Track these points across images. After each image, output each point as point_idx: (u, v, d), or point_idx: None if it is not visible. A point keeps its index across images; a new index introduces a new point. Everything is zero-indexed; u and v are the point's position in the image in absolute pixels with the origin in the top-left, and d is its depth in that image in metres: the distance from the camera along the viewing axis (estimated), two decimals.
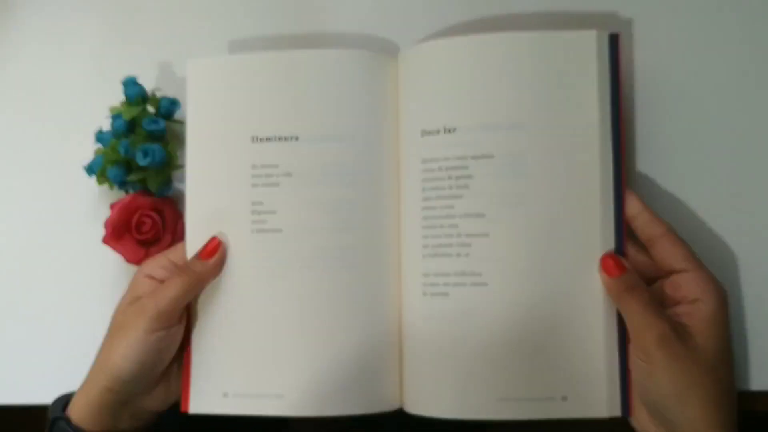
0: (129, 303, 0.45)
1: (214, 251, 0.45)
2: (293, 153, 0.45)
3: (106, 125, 0.49)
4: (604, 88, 0.43)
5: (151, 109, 0.49)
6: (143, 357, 0.43)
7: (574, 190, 0.43)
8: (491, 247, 0.43)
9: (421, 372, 0.44)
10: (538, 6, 0.50)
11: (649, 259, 0.43)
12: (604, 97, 0.43)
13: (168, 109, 0.49)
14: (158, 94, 0.50)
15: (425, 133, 0.44)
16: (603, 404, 0.42)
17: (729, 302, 0.41)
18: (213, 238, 0.46)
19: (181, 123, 0.48)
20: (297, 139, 0.45)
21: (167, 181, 0.49)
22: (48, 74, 0.54)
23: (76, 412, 0.43)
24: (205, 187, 0.46)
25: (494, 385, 0.42)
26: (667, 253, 0.42)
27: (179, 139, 0.49)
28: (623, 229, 0.43)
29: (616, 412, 0.42)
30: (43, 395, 0.47)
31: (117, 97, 0.49)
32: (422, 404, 0.44)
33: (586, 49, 0.43)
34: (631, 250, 0.43)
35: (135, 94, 0.48)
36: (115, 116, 0.48)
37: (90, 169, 0.49)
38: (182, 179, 0.47)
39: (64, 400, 0.44)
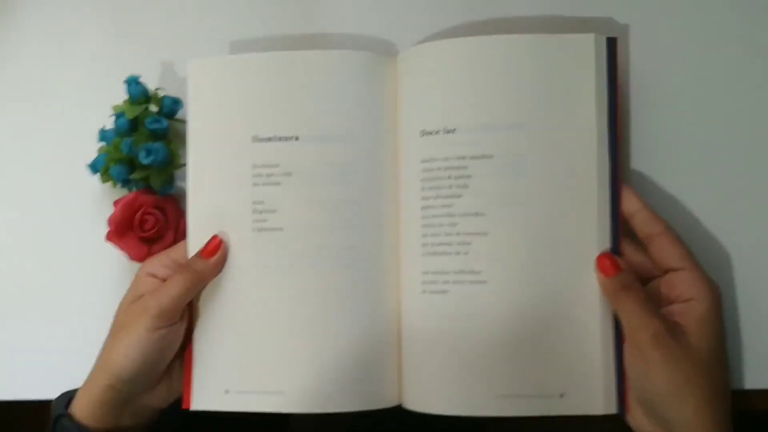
0: (131, 301, 0.45)
1: (216, 250, 0.45)
2: (294, 153, 0.46)
3: (109, 124, 0.49)
4: (601, 90, 0.44)
5: (153, 108, 0.49)
6: (145, 355, 0.43)
7: (572, 190, 0.43)
8: (490, 245, 0.43)
9: (420, 369, 0.44)
10: (536, 10, 0.50)
11: (646, 257, 0.43)
12: (602, 100, 0.44)
13: (171, 108, 0.49)
14: (161, 93, 0.50)
15: (425, 133, 0.45)
16: (599, 401, 0.42)
17: (723, 301, 0.41)
18: (214, 237, 0.46)
19: (184, 122, 0.48)
20: (297, 138, 0.46)
21: (170, 180, 0.49)
22: (51, 73, 0.54)
23: (78, 410, 0.43)
24: (206, 186, 0.47)
25: (492, 382, 0.43)
26: (664, 252, 0.42)
27: (182, 138, 0.49)
28: (619, 229, 0.43)
29: (612, 409, 0.43)
30: (46, 391, 0.48)
31: (120, 96, 0.49)
32: (421, 401, 0.44)
33: (585, 52, 0.44)
34: (628, 249, 0.43)
35: (138, 93, 0.48)
36: (118, 115, 0.48)
37: (93, 167, 0.49)
38: (185, 177, 0.47)
39: (67, 398, 0.45)
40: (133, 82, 0.49)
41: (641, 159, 0.48)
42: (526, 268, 0.43)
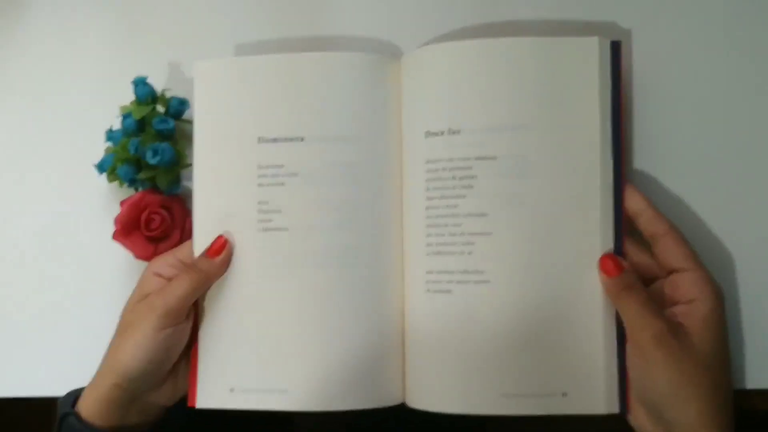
0: (137, 301, 0.45)
1: (221, 249, 0.46)
2: (299, 153, 0.46)
3: (116, 124, 0.50)
4: (605, 92, 0.44)
5: (160, 108, 0.50)
6: (151, 354, 0.43)
7: (575, 191, 0.43)
8: (494, 245, 0.43)
9: (423, 367, 0.45)
10: (539, 14, 0.50)
11: (650, 258, 0.43)
12: (605, 102, 0.44)
13: (177, 108, 0.50)
14: (168, 94, 0.50)
15: (429, 134, 0.45)
16: (601, 401, 0.43)
17: (726, 302, 0.41)
18: (219, 237, 0.46)
19: (191, 122, 0.48)
20: (302, 139, 0.46)
21: (176, 180, 0.49)
22: (59, 74, 0.55)
23: (85, 408, 0.43)
24: (212, 186, 0.47)
25: (495, 381, 0.43)
26: (668, 252, 0.42)
27: (188, 139, 0.49)
28: (622, 229, 0.44)
29: (614, 408, 0.43)
30: (52, 388, 0.48)
31: (127, 96, 0.49)
32: (424, 399, 0.45)
33: (588, 55, 0.44)
34: (632, 249, 0.44)
35: (145, 93, 0.49)
36: (126, 115, 0.48)
37: (100, 167, 0.49)
38: (191, 177, 0.48)
39: (73, 396, 0.45)
40: (140, 83, 0.49)
41: (644, 160, 0.48)
42: (530, 268, 0.43)
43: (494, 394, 0.43)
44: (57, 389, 0.47)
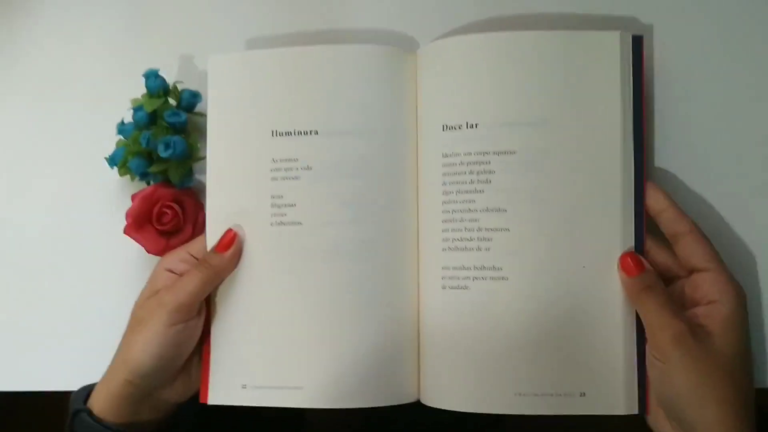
0: (148, 296, 0.45)
1: (231, 243, 0.45)
2: (313, 147, 0.46)
3: (128, 117, 0.49)
4: (626, 88, 0.43)
5: (172, 101, 0.49)
6: (163, 350, 0.43)
7: (596, 188, 0.43)
8: (512, 241, 0.43)
9: (439, 365, 0.44)
10: (558, 7, 0.50)
11: (672, 256, 0.43)
12: (627, 97, 0.43)
13: (189, 101, 0.49)
14: (180, 87, 0.50)
15: (446, 128, 0.44)
16: (621, 402, 0.42)
17: (748, 303, 0.41)
18: (228, 230, 0.46)
19: (203, 115, 0.48)
20: (317, 133, 0.46)
21: (188, 173, 0.49)
22: (69, 66, 0.55)
23: (97, 404, 0.43)
24: (225, 180, 0.47)
25: (512, 380, 0.43)
26: (690, 251, 0.41)
27: (200, 132, 0.49)
28: (644, 227, 0.43)
29: (634, 409, 0.42)
30: (64, 383, 0.48)
31: (139, 89, 0.49)
32: (439, 397, 0.44)
33: (610, 50, 0.43)
34: (653, 248, 0.43)
35: (156, 86, 0.48)
36: (137, 108, 0.48)
37: (112, 161, 0.49)
38: (203, 171, 0.47)
39: (86, 392, 0.45)
40: (151, 76, 0.48)
41: (665, 158, 0.48)
42: (548, 266, 0.43)
43: (511, 393, 0.43)
44: (69, 384, 0.47)
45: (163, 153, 0.46)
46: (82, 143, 0.53)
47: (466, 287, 0.43)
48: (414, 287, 0.46)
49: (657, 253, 0.43)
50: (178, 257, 0.46)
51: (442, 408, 0.44)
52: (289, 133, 0.46)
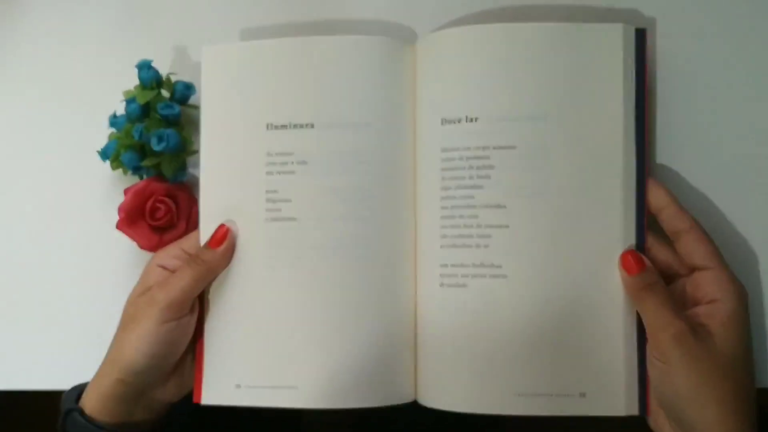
0: (140, 293, 0.45)
1: (223, 239, 0.45)
2: (308, 141, 0.45)
3: (120, 109, 0.49)
4: (629, 82, 0.43)
5: (165, 93, 0.49)
6: (155, 349, 0.42)
7: (597, 184, 0.42)
8: (512, 238, 0.42)
9: (436, 364, 0.44)
10: None
11: (673, 254, 0.42)
12: (629, 91, 0.43)
13: (183, 93, 0.49)
14: (173, 79, 0.49)
15: (445, 121, 0.44)
16: (621, 402, 0.42)
17: (750, 302, 0.41)
18: (221, 226, 0.45)
19: (196, 108, 0.48)
20: (312, 126, 0.45)
21: (182, 167, 0.49)
22: (61, 58, 0.54)
23: (89, 404, 0.43)
24: (219, 175, 0.46)
25: (511, 380, 0.42)
26: (691, 249, 0.41)
27: (194, 124, 0.49)
28: (645, 224, 0.43)
29: (634, 410, 0.42)
30: (56, 381, 0.48)
31: (131, 81, 0.48)
32: (437, 397, 0.44)
33: (612, 43, 0.43)
34: (654, 245, 0.43)
35: (149, 78, 0.48)
36: (130, 100, 0.48)
37: (104, 154, 0.48)
38: (197, 165, 0.47)
39: (77, 391, 0.44)
40: (144, 67, 0.48)
41: (667, 154, 0.47)
42: (548, 263, 0.42)
43: (510, 394, 0.42)
44: (61, 382, 0.46)
45: (156, 146, 0.46)
46: (74, 136, 0.53)
47: (464, 285, 0.43)
48: (411, 285, 0.45)
49: (658, 250, 0.42)
50: (171, 253, 0.46)
51: (440, 408, 0.44)
52: (284, 126, 0.45)
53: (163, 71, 0.49)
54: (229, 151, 0.46)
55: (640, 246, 0.42)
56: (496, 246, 0.42)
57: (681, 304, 0.41)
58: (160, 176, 0.48)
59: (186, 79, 0.49)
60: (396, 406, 0.44)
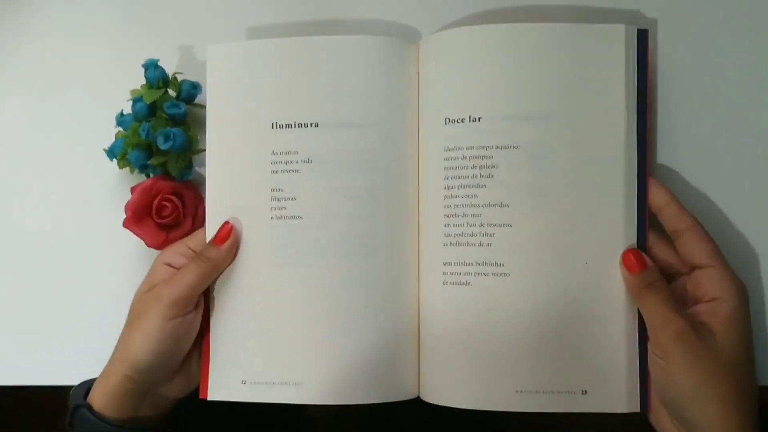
0: (146, 291, 0.45)
1: (227, 236, 0.45)
2: (313, 140, 0.45)
3: (127, 108, 0.49)
4: (631, 82, 0.43)
5: (172, 92, 0.49)
6: (161, 345, 0.43)
7: (599, 183, 0.43)
8: (514, 237, 0.42)
9: (439, 361, 0.44)
10: (563, 0, 0.49)
11: (674, 253, 0.42)
12: (631, 92, 0.43)
13: (189, 92, 0.49)
14: (179, 78, 0.49)
15: (449, 121, 0.44)
16: (622, 400, 0.42)
17: (750, 300, 0.41)
18: (225, 223, 0.45)
19: (203, 107, 0.48)
20: (317, 125, 0.45)
21: (188, 166, 0.49)
22: (68, 57, 0.54)
23: (97, 400, 0.43)
24: (225, 173, 0.46)
25: (513, 377, 0.42)
26: (692, 248, 0.41)
27: (200, 123, 0.49)
28: (646, 223, 0.43)
29: (636, 408, 0.42)
30: (63, 378, 0.48)
31: (138, 80, 0.48)
32: (440, 394, 0.44)
33: (615, 43, 0.43)
34: (655, 244, 0.43)
35: (156, 77, 0.48)
36: (136, 99, 0.48)
37: (111, 153, 0.48)
38: (203, 164, 0.47)
39: (85, 387, 0.44)
40: (151, 66, 0.48)
41: (667, 154, 0.47)
42: (551, 262, 0.42)
43: (512, 391, 0.42)
44: (69, 378, 0.46)
45: (162, 145, 0.46)
46: (81, 135, 0.53)
47: (467, 283, 0.43)
48: (414, 283, 0.46)
49: (659, 249, 0.43)
50: (177, 251, 0.46)
51: (442, 405, 0.44)
52: (289, 126, 0.46)
53: (170, 70, 0.49)
54: (234, 149, 0.46)
55: (642, 245, 0.43)
56: (498, 245, 0.43)
57: (682, 303, 0.41)
58: (166, 175, 0.48)
59: (192, 78, 0.49)
60: (399, 402, 0.45)
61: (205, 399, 0.46)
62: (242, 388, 0.45)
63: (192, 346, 0.45)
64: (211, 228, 0.46)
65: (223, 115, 0.47)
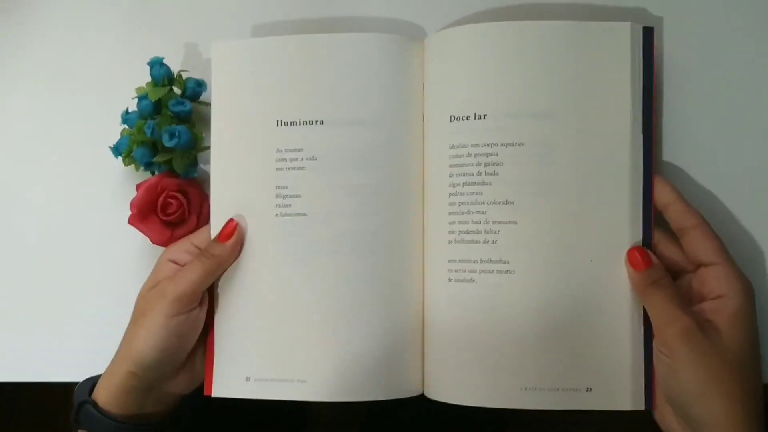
0: (150, 288, 0.45)
1: (232, 233, 0.45)
2: (318, 137, 0.45)
3: (132, 106, 0.49)
4: (636, 80, 0.43)
5: (177, 90, 0.49)
6: (165, 342, 0.43)
7: (604, 180, 0.43)
8: (520, 234, 0.42)
9: (444, 358, 0.44)
10: None
11: (680, 250, 0.42)
12: (637, 89, 0.43)
13: (194, 90, 0.49)
14: (184, 76, 0.49)
15: (454, 118, 0.44)
16: (627, 397, 0.42)
17: (756, 297, 0.40)
18: (230, 220, 0.45)
19: (208, 105, 0.48)
20: (322, 123, 0.45)
21: (193, 163, 0.49)
22: (74, 55, 0.54)
23: (101, 396, 0.43)
24: (230, 170, 0.46)
25: (518, 374, 0.42)
26: (697, 246, 0.41)
27: (205, 121, 0.49)
28: (652, 221, 0.43)
29: (640, 405, 0.42)
30: (68, 374, 0.48)
31: (143, 77, 0.48)
32: (444, 391, 0.44)
33: (620, 41, 0.43)
34: (661, 241, 0.43)
35: (161, 75, 0.48)
36: (141, 97, 0.48)
37: (116, 150, 0.48)
38: (208, 161, 0.47)
39: (90, 384, 0.45)
40: (156, 64, 0.48)
41: (673, 152, 0.47)
42: (556, 259, 0.42)
43: (516, 388, 0.42)
44: (73, 375, 0.47)
45: (167, 142, 0.46)
46: (87, 132, 0.53)
47: (472, 280, 0.43)
48: (419, 280, 0.46)
49: (665, 247, 0.43)
50: (181, 248, 0.46)
51: (447, 402, 0.44)
52: (294, 123, 0.46)
53: (175, 68, 0.49)
54: (239, 147, 0.46)
55: (647, 242, 0.43)
56: (503, 242, 0.43)
57: (687, 300, 0.41)
58: (171, 172, 0.48)
59: (197, 75, 0.49)
60: (403, 399, 0.45)
61: (210, 396, 0.46)
62: (246, 385, 0.45)
63: (196, 343, 0.46)
64: (215, 225, 0.46)
65: (227, 113, 0.47)
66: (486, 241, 0.43)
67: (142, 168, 0.48)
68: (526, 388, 0.42)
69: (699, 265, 0.41)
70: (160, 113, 0.48)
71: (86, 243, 0.52)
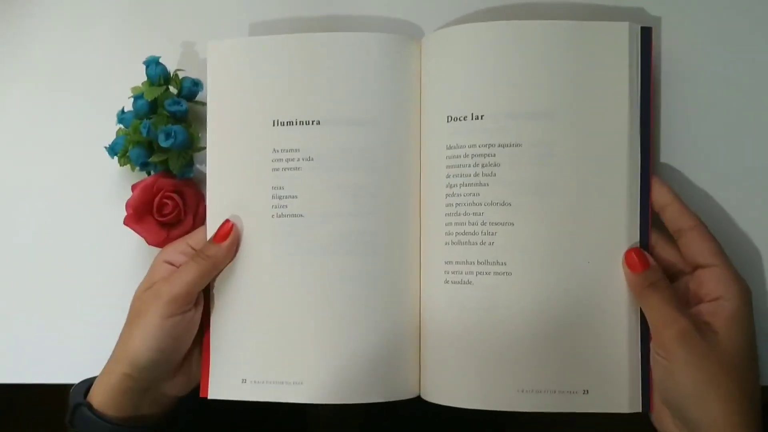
0: (145, 289, 0.45)
1: (228, 234, 0.45)
2: (314, 137, 0.45)
3: (128, 105, 0.49)
4: (634, 80, 0.43)
5: (173, 89, 0.49)
6: (160, 343, 0.42)
7: (602, 182, 0.42)
8: (517, 236, 0.42)
9: (440, 360, 0.44)
10: None
11: (676, 252, 0.42)
12: (634, 90, 0.43)
13: (190, 90, 0.49)
14: (181, 75, 0.49)
15: (451, 119, 0.44)
16: (624, 400, 0.42)
17: (753, 299, 0.40)
18: (226, 221, 0.45)
19: (204, 104, 0.48)
20: (318, 123, 0.45)
21: (189, 163, 0.48)
22: (70, 54, 0.54)
23: (97, 398, 0.43)
24: (226, 171, 0.46)
25: (515, 377, 0.42)
26: (694, 247, 0.41)
27: (202, 121, 0.48)
28: (649, 223, 0.43)
29: (638, 408, 0.42)
30: (64, 375, 0.48)
31: (139, 77, 0.48)
32: (441, 393, 0.44)
33: (618, 41, 0.43)
34: (658, 243, 0.43)
35: (157, 74, 0.48)
36: (137, 97, 0.48)
37: (112, 150, 0.48)
38: (204, 161, 0.47)
39: (86, 386, 0.44)
40: (152, 63, 0.48)
41: (670, 153, 0.47)
42: (553, 261, 0.42)
43: (513, 390, 0.42)
44: (69, 376, 0.47)
45: (163, 142, 0.46)
46: (82, 132, 0.53)
47: (469, 282, 0.43)
48: (416, 281, 0.45)
49: (662, 248, 0.43)
50: (177, 249, 0.46)
51: (443, 404, 0.44)
52: (290, 123, 0.45)
53: (171, 67, 0.49)
54: (235, 147, 0.46)
55: (645, 244, 0.42)
56: (501, 243, 0.42)
57: (684, 302, 0.41)
58: (167, 172, 0.48)
59: (194, 75, 0.49)
60: (400, 402, 0.44)
61: (206, 398, 0.46)
62: (242, 386, 0.45)
63: (192, 345, 0.45)
64: (211, 226, 0.46)
65: (224, 113, 0.46)
66: (483, 243, 0.43)
67: (137, 168, 0.48)
68: (522, 391, 0.42)
69: (696, 267, 0.41)
70: (156, 113, 0.48)
71: (82, 244, 0.52)
